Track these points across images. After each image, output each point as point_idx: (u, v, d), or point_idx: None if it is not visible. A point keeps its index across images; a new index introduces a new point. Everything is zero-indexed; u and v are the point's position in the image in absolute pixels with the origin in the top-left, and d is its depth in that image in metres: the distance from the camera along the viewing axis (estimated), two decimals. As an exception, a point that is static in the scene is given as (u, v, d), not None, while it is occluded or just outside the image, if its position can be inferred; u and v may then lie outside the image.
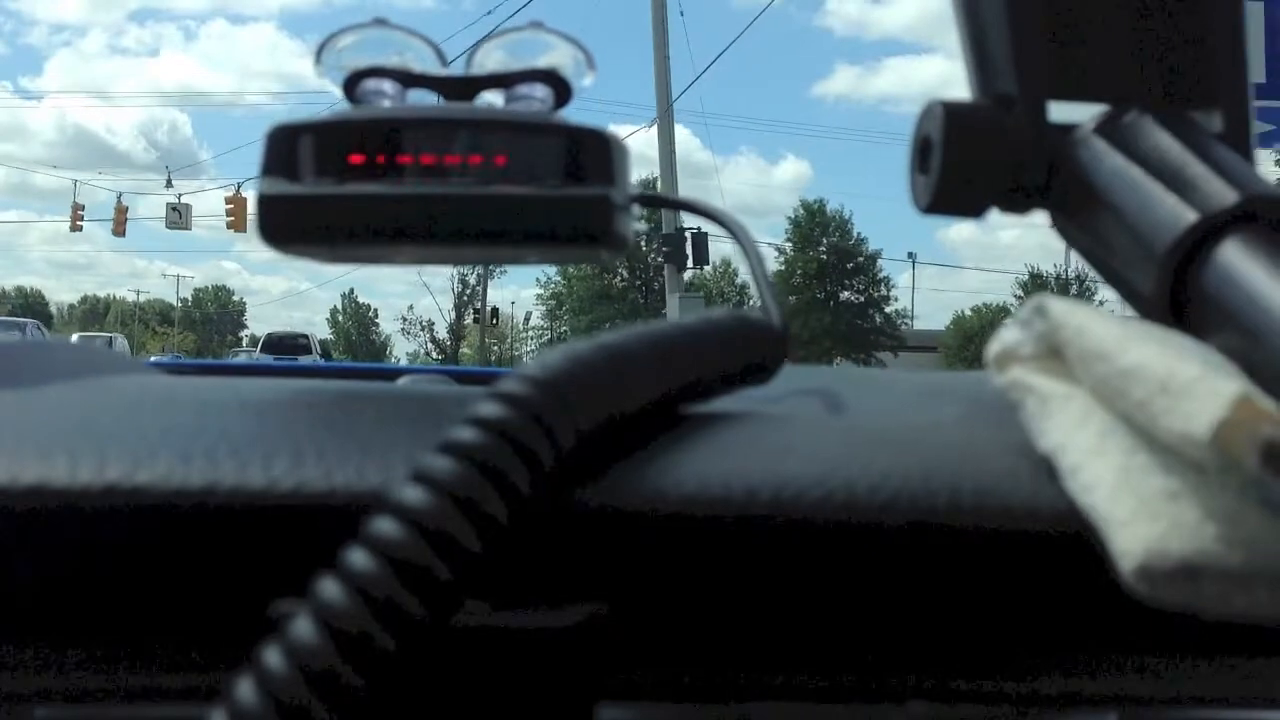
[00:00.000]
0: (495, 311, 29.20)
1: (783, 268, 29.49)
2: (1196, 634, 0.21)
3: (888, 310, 29.65)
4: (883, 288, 29.94)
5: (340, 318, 44.20)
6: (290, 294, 62.18)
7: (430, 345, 37.46)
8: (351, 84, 0.33)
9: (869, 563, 0.20)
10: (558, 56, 0.34)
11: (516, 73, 0.33)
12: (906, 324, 31.37)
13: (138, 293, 51.59)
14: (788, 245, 29.87)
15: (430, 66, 0.34)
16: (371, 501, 0.19)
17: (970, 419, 0.29)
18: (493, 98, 0.34)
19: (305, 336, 19.97)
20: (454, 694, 0.20)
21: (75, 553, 0.20)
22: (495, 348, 36.61)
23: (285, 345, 17.86)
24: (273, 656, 0.17)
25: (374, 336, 43.97)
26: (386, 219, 0.28)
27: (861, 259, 27.95)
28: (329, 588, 0.17)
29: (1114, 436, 0.20)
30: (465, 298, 35.79)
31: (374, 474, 0.21)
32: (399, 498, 0.18)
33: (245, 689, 0.16)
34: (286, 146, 0.29)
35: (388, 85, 0.33)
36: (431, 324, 38.00)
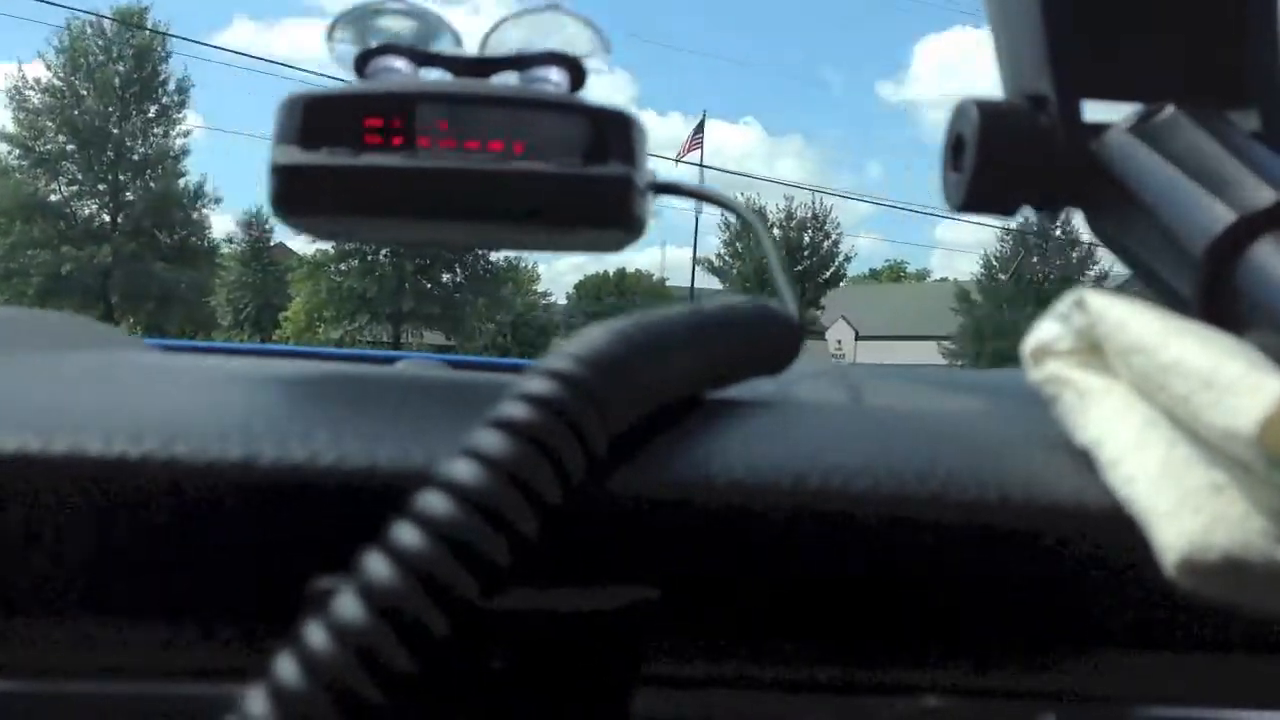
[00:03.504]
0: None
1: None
2: (1233, 632, 0.21)
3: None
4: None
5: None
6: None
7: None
8: (363, 61, 0.33)
9: (912, 553, 0.20)
10: (573, 39, 0.34)
11: (532, 55, 0.33)
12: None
13: None
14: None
15: (444, 46, 0.34)
16: (415, 479, 0.18)
17: (998, 413, 0.29)
18: (507, 79, 0.33)
19: None
20: (494, 676, 0.20)
21: (106, 526, 0.19)
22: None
23: None
24: (319, 635, 0.16)
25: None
26: (403, 193, 0.28)
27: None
28: (380, 566, 0.17)
29: (1155, 430, 0.20)
30: None
31: (418, 452, 0.20)
32: (456, 475, 0.17)
33: (288, 668, 0.16)
34: (301, 116, 0.28)
35: (400, 63, 0.33)
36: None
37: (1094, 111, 0.29)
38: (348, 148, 0.28)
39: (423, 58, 0.32)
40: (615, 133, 0.28)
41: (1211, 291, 0.24)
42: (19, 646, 0.20)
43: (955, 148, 0.30)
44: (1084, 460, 0.22)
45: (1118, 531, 0.20)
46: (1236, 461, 0.19)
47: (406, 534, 0.17)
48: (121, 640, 0.20)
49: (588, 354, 0.19)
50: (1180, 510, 0.18)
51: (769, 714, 0.22)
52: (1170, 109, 0.28)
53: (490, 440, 0.18)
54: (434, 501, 0.17)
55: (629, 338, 0.20)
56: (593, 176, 0.28)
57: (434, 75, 0.33)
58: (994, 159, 0.29)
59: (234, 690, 0.16)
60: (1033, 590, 0.21)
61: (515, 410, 0.18)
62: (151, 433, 0.20)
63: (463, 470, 0.17)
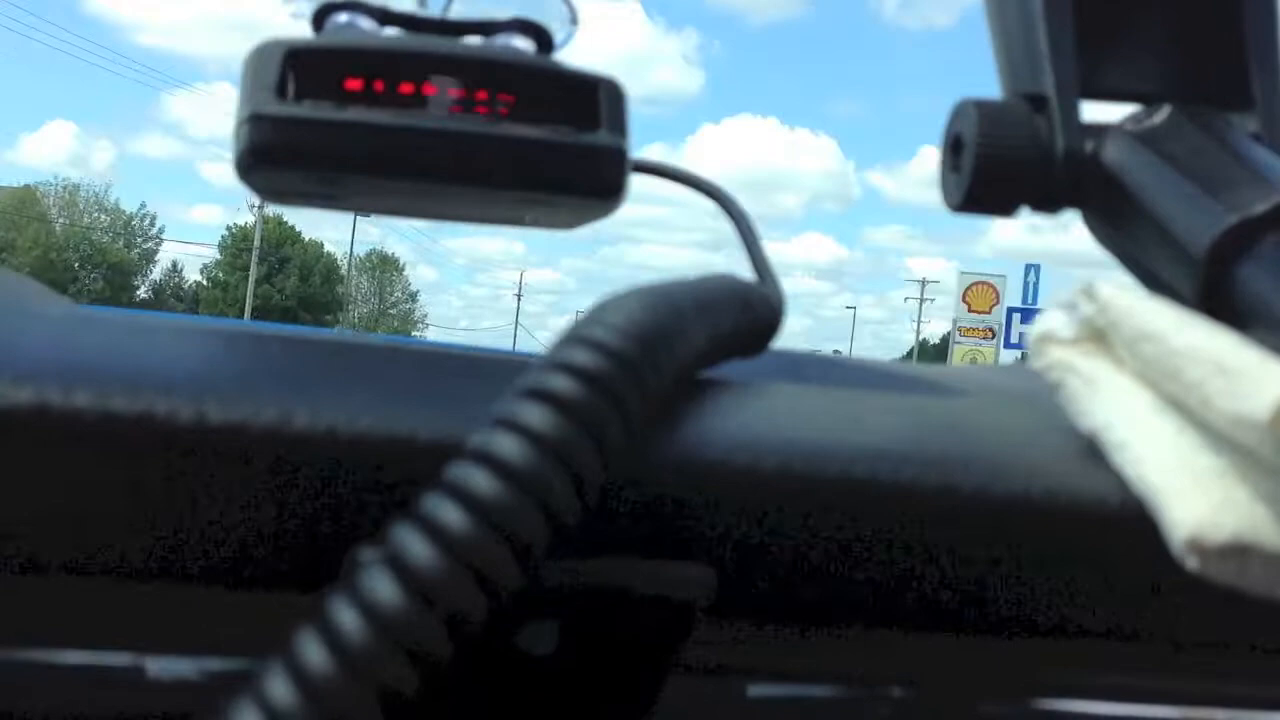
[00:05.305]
0: None
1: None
2: (1227, 629, 0.21)
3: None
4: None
5: None
6: None
7: None
8: (322, 14, 0.31)
9: (959, 540, 0.20)
10: (542, 7, 0.32)
11: (500, 21, 0.32)
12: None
13: None
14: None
15: (408, 6, 0.32)
16: (451, 448, 0.17)
17: (1003, 404, 0.29)
18: (473, 43, 0.32)
19: None
20: (530, 655, 0.19)
21: (131, 486, 0.18)
22: None
23: None
24: (349, 615, 0.15)
25: None
26: (387, 152, 0.26)
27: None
28: (417, 545, 0.15)
29: (1163, 415, 0.20)
30: None
31: (454, 421, 0.19)
32: (501, 450, 0.16)
33: (316, 652, 0.15)
34: (280, 66, 0.26)
35: (362, 20, 0.31)
36: None
37: (1093, 112, 0.29)
38: (330, 102, 0.26)
39: (386, 15, 0.31)
40: (606, 101, 0.27)
41: (1211, 293, 0.24)
42: (17, 611, 0.19)
43: (954, 148, 0.30)
44: (1090, 447, 0.22)
45: (1127, 520, 0.20)
46: (1244, 449, 0.19)
47: (450, 513, 0.15)
48: (135, 608, 0.19)
49: (623, 324, 0.18)
50: (1190, 490, 0.18)
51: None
52: (1169, 110, 0.28)
53: (532, 414, 0.16)
54: (479, 479, 0.16)
55: (659, 309, 0.19)
56: (585, 145, 0.27)
57: (395, 34, 0.31)
58: (993, 159, 0.28)
59: (251, 665, 0.15)
60: (1056, 575, 0.21)
61: (555, 382, 0.17)
62: (181, 388, 0.18)
63: (507, 446, 0.16)
